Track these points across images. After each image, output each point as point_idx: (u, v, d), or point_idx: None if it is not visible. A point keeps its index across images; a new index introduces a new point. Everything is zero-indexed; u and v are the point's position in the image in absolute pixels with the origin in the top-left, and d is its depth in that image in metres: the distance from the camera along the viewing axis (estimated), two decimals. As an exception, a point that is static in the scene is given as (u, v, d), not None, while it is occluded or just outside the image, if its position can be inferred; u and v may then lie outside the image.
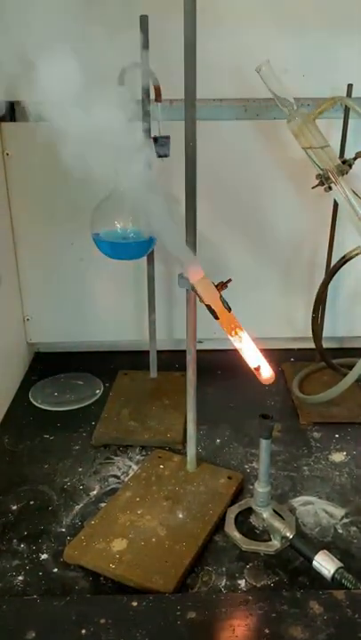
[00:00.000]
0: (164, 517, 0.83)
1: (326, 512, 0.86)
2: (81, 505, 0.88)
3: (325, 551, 0.73)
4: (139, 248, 0.99)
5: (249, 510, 0.85)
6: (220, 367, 1.23)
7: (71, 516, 0.86)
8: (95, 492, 0.91)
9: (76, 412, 1.12)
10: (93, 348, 1.34)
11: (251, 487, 0.88)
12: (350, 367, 0.99)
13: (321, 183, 0.93)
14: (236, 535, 0.81)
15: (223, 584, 0.75)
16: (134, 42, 0.94)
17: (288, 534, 0.77)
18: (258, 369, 0.78)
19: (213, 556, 0.79)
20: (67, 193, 1.13)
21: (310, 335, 1.11)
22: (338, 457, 0.99)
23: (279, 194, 1.19)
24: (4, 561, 0.78)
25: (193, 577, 0.75)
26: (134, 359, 1.28)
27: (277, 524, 0.79)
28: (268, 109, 1.11)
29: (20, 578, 0.75)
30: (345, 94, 1.05)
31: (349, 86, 1.05)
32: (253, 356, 0.78)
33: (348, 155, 0.98)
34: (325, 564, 0.72)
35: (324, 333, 1.18)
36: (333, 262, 1.06)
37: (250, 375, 0.79)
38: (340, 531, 0.83)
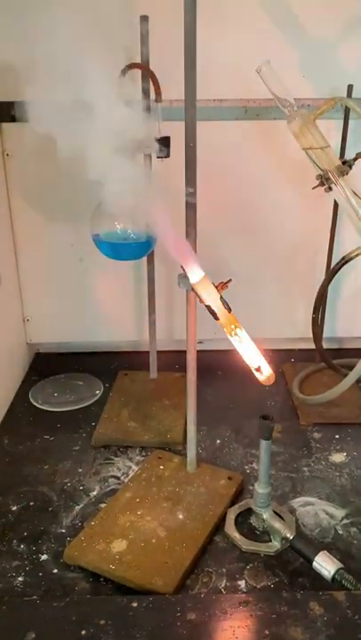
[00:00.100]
0: (164, 518, 0.83)
1: (326, 513, 0.86)
2: (81, 506, 0.88)
3: (325, 552, 0.73)
4: (139, 248, 0.98)
5: (249, 511, 0.84)
6: (221, 368, 1.22)
7: (71, 517, 0.86)
8: (95, 493, 0.91)
9: (76, 412, 1.12)
10: (93, 348, 1.34)
11: (251, 488, 0.88)
12: (350, 368, 0.99)
13: (321, 184, 0.93)
14: (236, 536, 0.81)
15: (223, 585, 0.74)
16: (134, 42, 0.95)
17: (288, 535, 0.77)
18: (258, 369, 0.77)
19: (213, 556, 0.79)
20: (67, 193, 1.14)
21: (310, 336, 1.11)
22: (338, 458, 0.99)
23: (279, 194, 1.19)
24: (3, 562, 0.78)
25: (193, 578, 0.75)
26: (134, 359, 1.28)
27: (277, 524, 0.79)
28: (268, 110, 1.11)
29: (20, 579, 0.75)
30: (345, 95, 1.05)
31: (350, 87, 1.05)
32: (254, 357, 0.78)
33: (349, 155, 0.97)
34: (326, 564, 0.72)
35: (325, 334, 1.18)
36: (334, 263, 1.05)
37: (250, 376, 0.78)
38: (340, 532, 0.83)
